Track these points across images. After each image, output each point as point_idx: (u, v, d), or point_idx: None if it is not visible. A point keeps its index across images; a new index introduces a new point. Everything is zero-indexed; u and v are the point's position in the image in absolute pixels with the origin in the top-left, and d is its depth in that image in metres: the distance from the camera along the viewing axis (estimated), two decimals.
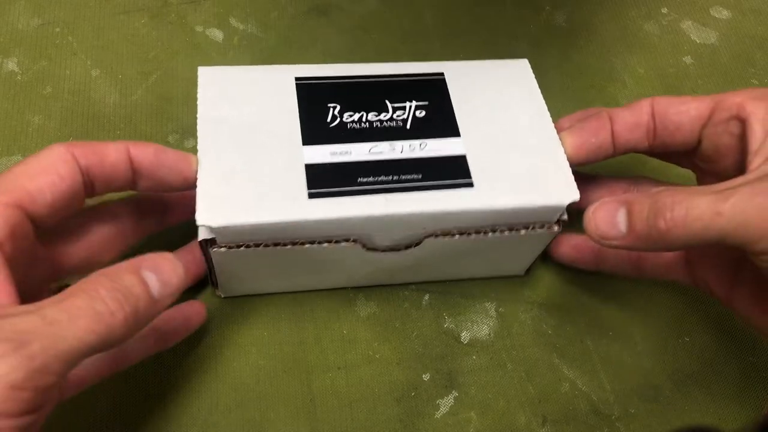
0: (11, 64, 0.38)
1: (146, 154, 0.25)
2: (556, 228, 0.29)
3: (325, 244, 0.27)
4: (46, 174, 0.23)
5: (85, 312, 0.19)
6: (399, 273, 0.32)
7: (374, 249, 0.29)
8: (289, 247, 0.27)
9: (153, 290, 0.22)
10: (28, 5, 0.40)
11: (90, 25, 0.40)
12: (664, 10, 0.47)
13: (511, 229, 0.29)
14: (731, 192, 0.22)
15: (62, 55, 0.38)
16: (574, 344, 0.33)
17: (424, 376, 0.31)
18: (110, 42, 0.39)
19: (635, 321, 0.34)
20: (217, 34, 0.41)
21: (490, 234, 0.29)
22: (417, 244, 0.29)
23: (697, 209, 0.22)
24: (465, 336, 0.33)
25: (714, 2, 0.48)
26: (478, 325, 0.33)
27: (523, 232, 0.29)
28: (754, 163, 0.24)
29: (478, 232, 0.28)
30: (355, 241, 0.28)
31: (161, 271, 0.22)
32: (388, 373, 0.31)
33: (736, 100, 0.26)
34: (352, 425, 0.30)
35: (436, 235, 0.28)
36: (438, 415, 0.30)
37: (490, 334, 0.33)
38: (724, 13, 0.47)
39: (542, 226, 0.29)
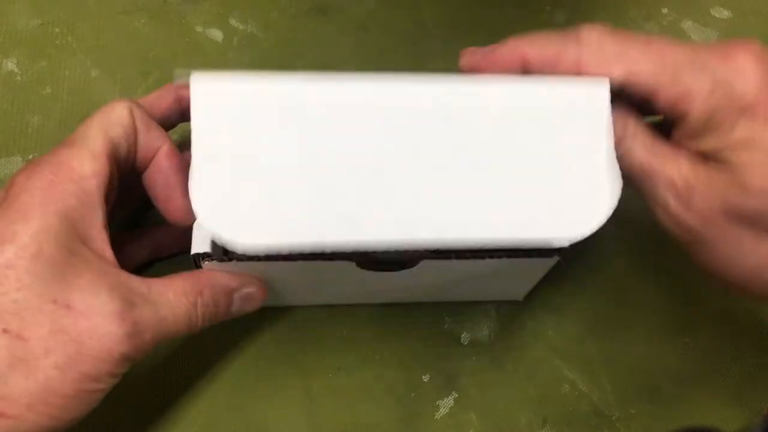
0: (10, 65, 0.38)
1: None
2: (555, 257, 0.28)
3: (318, 261, 0.27)
4: (119, 126, 0.25)
5: (183, 317, 0.25)
6: (394, 294, 0.32)
7: (369, 268, 0.28)
8: (281, 262, 0.26)
9: (232, 309, 0.27)
10: (28, 5, 0.40)
11: (90, 25, 0.40)
12: (665, 11, 0.47)
13: (509, 256, 0.28)
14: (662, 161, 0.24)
15: (62, 56, 0.38)
16: (574, 345, 0.33)
17: (423, 376, 0.31)
18: (110, 42, 0.39)
19: (635, 321, 0.34)
20: (216, 35, 0.41)
21: (487, 259, 0.28)
22: (413, 265, 0.28)
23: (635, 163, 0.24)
24: (465, 337, 0.33)
25: (714, 2, 0.48)
26: (478, 325, 0.33)
27: (521, 259, 0.28)
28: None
29: (475, 256, 0.28)
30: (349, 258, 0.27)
31: (248, 300, 0.27)
32: (387, 374, 0.31)
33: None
34: (351, 426, 0.30)
35: (433, 257, 0.28)
36: (438, 416, 0.30)
37: (490, 334, 0.33)
38: (724, 13, 0.47)
39: (541, 255, 0.28)
